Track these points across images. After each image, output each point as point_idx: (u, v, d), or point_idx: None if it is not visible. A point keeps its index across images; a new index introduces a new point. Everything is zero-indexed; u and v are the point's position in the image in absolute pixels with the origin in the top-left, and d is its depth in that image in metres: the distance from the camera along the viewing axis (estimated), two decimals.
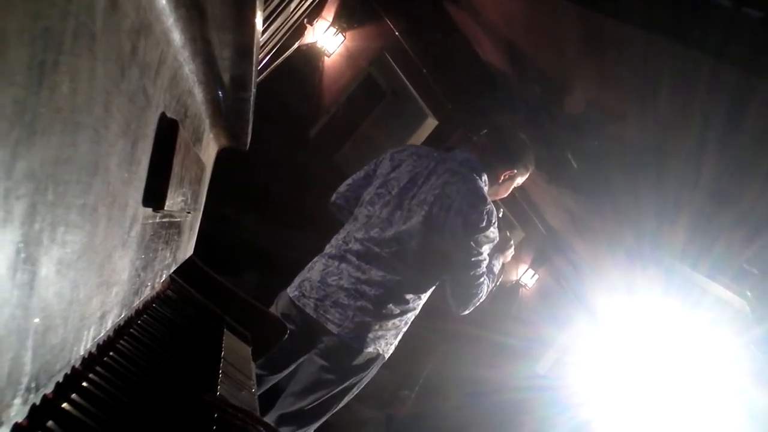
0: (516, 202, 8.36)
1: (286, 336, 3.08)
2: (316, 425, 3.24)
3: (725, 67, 3.44)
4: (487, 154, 3.32)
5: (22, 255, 0.45)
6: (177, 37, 0.90)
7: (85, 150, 0.55)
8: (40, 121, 0.43)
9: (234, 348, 1.68)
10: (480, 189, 3.15)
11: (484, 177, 3.23)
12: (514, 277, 9.07)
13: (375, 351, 3.14)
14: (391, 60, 7.30)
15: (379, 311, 3.10)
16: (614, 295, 7.29)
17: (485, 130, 3.57)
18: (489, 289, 3.33)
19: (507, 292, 8.97)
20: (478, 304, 3.33)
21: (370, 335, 3.10)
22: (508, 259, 3.57)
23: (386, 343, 3.18)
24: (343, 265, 3.17)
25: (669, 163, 4.74)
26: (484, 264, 3.18)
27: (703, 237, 4.97)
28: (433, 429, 6.96)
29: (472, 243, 3.07)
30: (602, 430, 6.30)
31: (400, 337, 3.27)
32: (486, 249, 3.14)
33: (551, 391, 7.41)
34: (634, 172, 5.21)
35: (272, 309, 3.21)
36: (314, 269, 3.25)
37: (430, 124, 8.10)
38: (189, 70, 1.06)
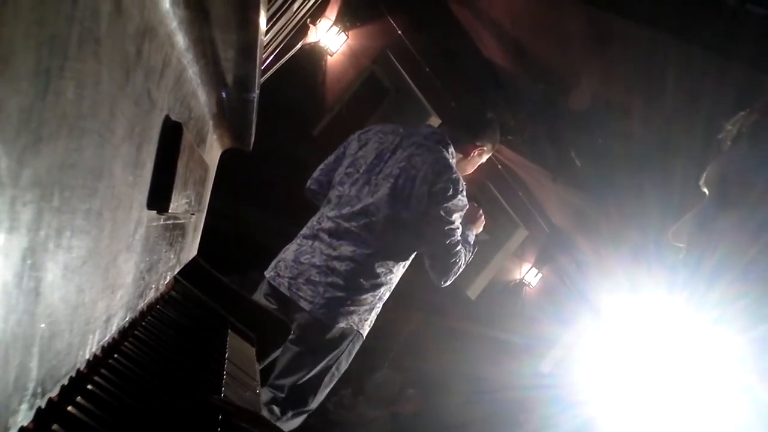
0: (519, 200, 8.34)
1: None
2: (303, 412, 3.26)
3: (730, 63, 3.43)
4: (455, 130, 3.35)
5: (29, 261, 0.45)
6: (181, 39, 0.90)
7: (91, 155, 0.55)
8: (46, 127, 0.43)
9: (238, 348, 1.68)
10: (445, 159, 3.18)
11: (451, 149, 3.26)
12: (517, 276, 9.06)
13: (347, 326, 3.15)
14: (394, 58, 7.29)
15: (349, 286, 3.12)
16: (618, 293, 7.27)
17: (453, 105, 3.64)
18: (467, 259, 3.35)
19: (511, 290, 8.95)
20: (459, 273, 3.33)
21: (342, 310, 3.12)
22: (480, 229, 3.58)
23: (360, 319, 3.19)
24: (316, 243, 3.22)
25: (674, 160, 4.73)
26: (458, 233, 3.20)
27: (708, 235, 4.95)
28: (436, 426, 6.95)
29: (441, 212, 3.09)
30: (606, 428, 6.28)
31: (374, 314, 3.29)
32: (456, 217, 3.16)
33: (555, 389, 7.40)
34: (639, 170, 5.20)
35: (256, 294, 3.27)
36: (289, 250, 3.31)
37: (434, 122, 8.09)
38: (193, 72, 1.06)
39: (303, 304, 3.10)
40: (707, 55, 3.51)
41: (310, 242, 3.25)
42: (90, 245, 0.61)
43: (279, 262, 3.30)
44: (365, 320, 3.23)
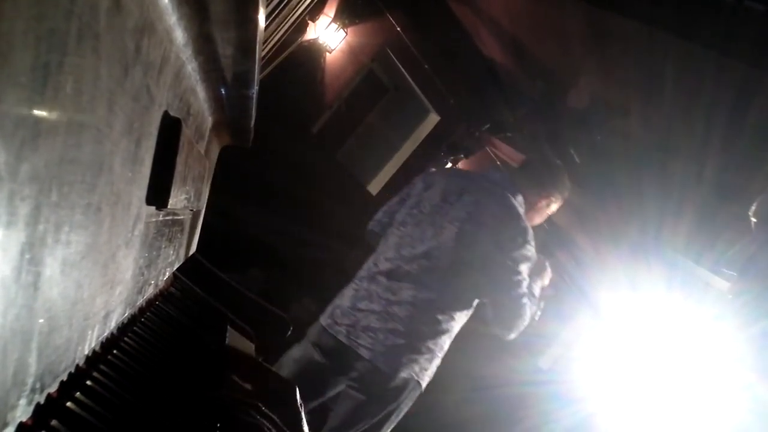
0: None
1: (314, 364, 3.02)
2: None
3: (729, 61, 3.43)
4: (523, 179, 3.24)
5: (27, 256, 0.45)
6: (180, 35, 0.90)
7: (89, 150, 0.55)
8: (45, 122, 0.43)
9: (237, 344, 1.68)
10: (514, 207, 3.07)
11: (519, 198, 3.14)
12: None
13: (408, 376, 3.03)
14: (393, 56, 7.29)
15: (410, 332, 3.00)
16: (618, 290, 7.28)
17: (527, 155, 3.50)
18: (531, 312, 3.18)
19: None
20: (522, 327, 3.18)
21: (403, 359, 3.00)
22: (546, 282, 3.42)
23: (420, 368, 3.07)
24: (373, 287, 3.09)
25: (673, 157, 4.73)
26: (525, 284, 3.06)
27: (707, 231, 4.96)
28: (435, 423, 6.95)
29: (508, 261, 2.97)
30: (606, 424, 6.29)
31: (435, 363, 3.16)
32: (524, 268, 3.04)
33: (554, 386, 7.40)
34: (638, 166, 5.20)
35: (305, 340, 3.17)
36: (345, 295, 3.18)
37: (433, 119, 8.10)
38: (192, 68, 1.06)
39: (363, 352, 2.99)
40: (706, 52, 3.51)
41: (366, 285, 3.12)
42: (89, 240, 0.61)
43: (335, 308, 3.17)
44: (425, 370, 3.10)
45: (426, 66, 7.30)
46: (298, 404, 1.18)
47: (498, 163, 7.61)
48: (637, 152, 5.15)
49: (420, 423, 6.88)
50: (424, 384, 3.15)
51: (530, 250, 3.04)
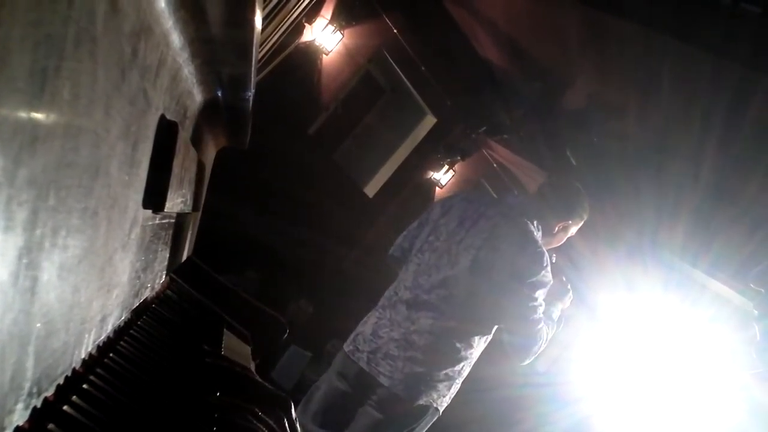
0: None
1: (339, 393, 3.07)
2: None
3: (725, 63, 3.43)
4: (542, 204, 3.20)
5: (25, 260, 0.45)
6: (177, 38, 0.90)
7: (86, 154, 0.55)
8: (43, 127, 0.43)
9: (234, 347, 1.68)
10: (530, 233, 3.03)
11: (536, 223, 3.11)
12: None
13: (427, 402, 3.04)
14: (389, 57, 7.29)
15: (428, 360, 3.01)
16: (614, 292, 7.28)
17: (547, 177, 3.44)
18: (548, 337, 3.17)
19: None
20: (538, 352, 3.18)
21: (422, 386, 3.01)
22: (567, 305, 3.41)
23: (438, 395, 3.07)
24: (393, 316, 3.09)
25: (669, 159, 4.74)
26: (540, 310, 3.04)
27: (703, 234, 4.97)
28: (433, 426, 6.96)
29: (525, 289, 2.94)
30: (602, 426, 6.29)
31: (454, 389, 3.17)
32: (540, 294, 3.01)
33: (551, 388, 7.40)
34: (635, 168, 5.20)
35: (332, 367, 3.22)
36: (368, 323, 3.18)
37: (429, 121, 8.10)
38: (188, 71, 1.06)
39: (382, 379, 3.00)
40: (702, 54, 3.51)
41: (387, 314, 3.12)
42: (86, 244, 0.61)
43: (357, 335, 3.18)
44: (443, 396, 3.10)
45: (423, 67, 7.30)
46: (293, 413, 1.18)
47: (495, 165, 7.62)
48: (633, 154, 5.16)
49: None
50: (442, 409, 3.16)
51: (547, 276, 3.01)
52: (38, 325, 0.51)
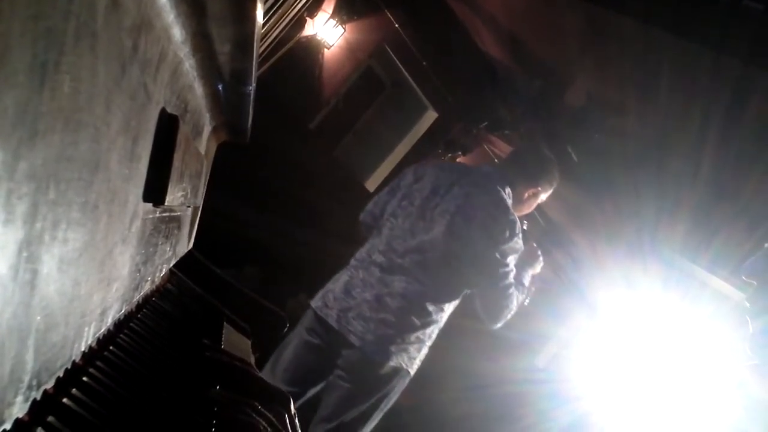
0: None
1: (310, 348, 3.06)
2: None
3: (726, 59, 3.43)
4: (511, 171, 3.26)
5: (25, 254, 0.45)
6: (178, 32, 0.90)
7: (86, 148, 0.55)
8: (42, 121, 0.43)
9: (234, 340, 1.69)
10: (503, 200, 3.10)
11: (508, 190, 3.17)
12: None
13: (398, 364, 3.08)
14: (391, 52, 7.29)
15: (400, 324, 3.05)
16: (614, 288, 7.28)
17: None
18: (520, 302, 3.25)
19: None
20: (509, 316, 3.26)
21: (392, 348, 3.04)
22: (538, 270, 3.47)
23: (409, 357, 3.11)
24: (367, 277, 3.13)
25: (669, 156, 4.73)
26: (512, 275, 3.12)
27: (702, 230, 4.97)
28: (430, 421, 6.96)
29: (497, 254, 3.02)
30: (601, 423, 6.30)
31: (424, 352, 3.21)
32: (511, 260, 3.08)
33: (550, 385, 7.41)
34: (635, 165, 5.20)
35: (299, 325, 3.20)
36: (339, 281, 3.22)
37: (430, 116, 8.09)
38: (189, 65, 1.06)
39: (353, 339, 3.02)
40: (703, 51, 3.51)
41: (360, 275, 3.16)
42: (86, 238, 0.61)
43: (327, 293, 3.20)
44: (414, 358, 3.15)
45: (424, 63, 7.30)
46: (292, 409, 1.19)
47: (495, 160, 7.61)
48: (633, 150, 5.16)
49: (417, 421, 6.90)
50: (413, 372, 3.20)
51: (518, 243, 3.08)
52: (38, 318, 0.51)
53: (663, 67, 3.97)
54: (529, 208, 3.38)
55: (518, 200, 3.25)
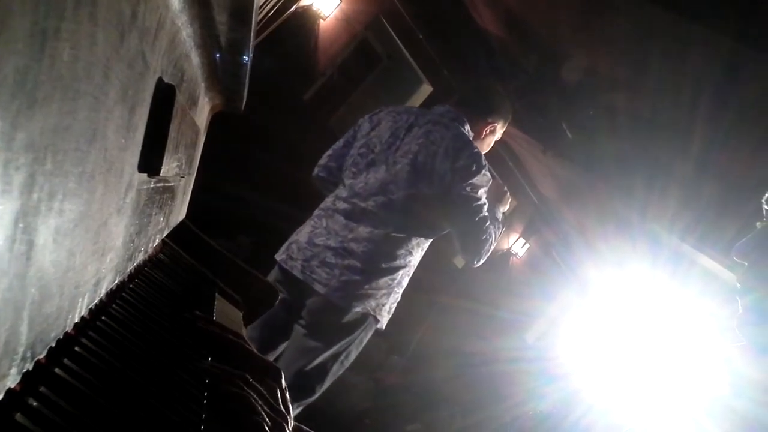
0: (509, 171, 8.35)
1: (279, 303, 3.05)
2: (307, 402, 3.12)
3: (717, 36, 3.43)
4: (467, 109, 3.29)
5: (21, 225, 0.44)
6: (176, 0, 0.89)
7: (84, 118, 0.54)
8: (41, 90, 0.42)
9: (226, 312, 1.69)
10: (464, 134, 3.12)
11: (467, 127, 3.19)
12: (505, 246, 9.09)
13: (364, 310, 3.03)
14: (387, 24, 7.24)
15: (367, 269, 3.01)
16: (604, 266, 7.32)
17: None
18: (497, 235, 3.21)
19: (498, 260, 8.99)
20: (491, 250, 3.20)
21: (358, 293, 3.00)
22: (506, 206, 3.48)
23: (377, 303, 3.06)
24: (330, 225, 3.10)
25: (659, 133, 4.74)
26: (485, 208, 3.09)
27: (691, 209, 4.99)
28: (421, 399, 7.01)
29: (467, 189, 3.00)
30: (591, 400, 6.36)
31: (393, 299, 3.15)
32: (482, 193, 3.07)
33: (540, 363, 7.48)
34: (625, 142, 5.21)
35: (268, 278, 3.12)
36: (302, 231, 3.20)
37: (426, 90, 8.07)
38: (187, 34, 1.05)
39: (317, 287, 2.99)
40: (694, 27, 3.50)
41: (324, 223, 3.13)
42: (81, 208, 0.60)
43: (291, 244, 3.18)
44: (383, 305, 3.10)
45: (420, 36, 7.26)
46: (283, 383, 1.18)
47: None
48: (624, 127, 5.16)
49: (406, 400, 6.95)
50: (382, 320, 3.16)
51: (487, 175, 3.07)
52: (33, 290, 0.50)
53: (655, 43, 3.97)
54: (487, 146, 3.40)
55: (477, 137, 3.28)
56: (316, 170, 3.44)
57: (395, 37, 7.36)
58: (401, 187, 3.03)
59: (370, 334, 3.17)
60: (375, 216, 3.05)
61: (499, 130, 3.40)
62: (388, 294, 3.11)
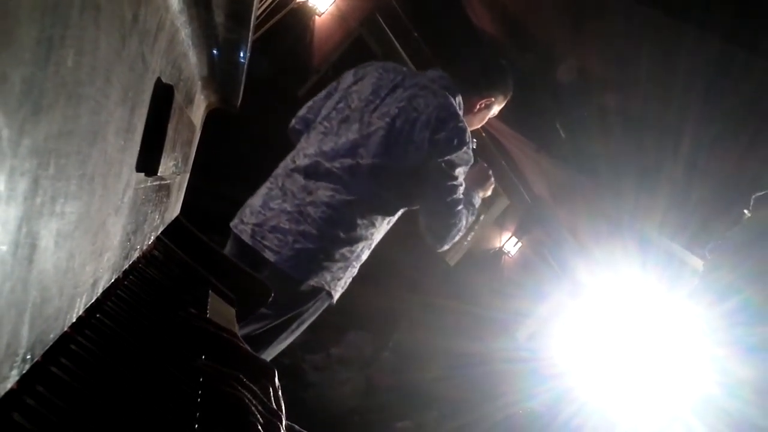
0: (502, 169, 8.36)
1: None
2: None
3: (707, 36, 3.43)
4: (464, 79, 2.99)
5: (24, 230, 0.45)
6: (175, 1, 0.89)
7: (86, 121, 0.55)
8: (46, 97, 0.43)
9: (219, 309, 1.69)
10: (452, 105, 2.81)
11: (459, 98, 2.90)
12: (497, 245, 9.10)
13: (318, 284, 2.77)
14: (382, 21, 7.24)
15: (324, 236, 2.74)
16: (595, 266, 7.34)
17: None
18: (468, 222, 2.95)
19: (490, 259, 9.00)
20: (457, 237, 2.94)
21: (313, 264, 2.74)
22: (489, 192, 3.22)
23: (332, 277, 2.81)
24: (288, 185, 2.84)
25: (649, 133, 4.75)
26: (460, 190, 2.84)
27: (681, 209, 5.00)
28: (412, 398, 7.02)
29: (443, 164, 2.73)
30: (582, 399, 6.38)
31: (349, 273, 2.90)
32: (460, 172, 2.79)
33: (532, 363, 7.49)
34: (616, 142, 5.22)
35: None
36: (258, 194, 2.95)
37: None
38: (185, 33, 1.05)
39: (267, 254, 2.73)
40: (683, 27, 3.50)
41: (281, 183, 2.87)
42: (81, 210, 0.61)
43: (245, 208, 2.95)
44: (338, 279, 2.85)
45: (415, 34, 7.25)
46: (277, 382, 1.19)
47: (483, 134, 7.61)
48: (614, 127, 5.17)
49: (399, 400, 6.95)
50: (336, 295, 2.90)
51: (468, 153, 2.80)
52: (34, 292, 0.51)
53: (646, 43, 3.97)
54: (480, 122, 3.13)
55: (469, 111, 3.00)
56: (292, 122, 3.17)
57: (390, 34, 7.35)
58: (371, 153, 2.75)
59: (323, 308, 2.93)
60: (339, 179, 2.77)
61: (497, 105, 3.11)
62: (345, 268, 2.86)
